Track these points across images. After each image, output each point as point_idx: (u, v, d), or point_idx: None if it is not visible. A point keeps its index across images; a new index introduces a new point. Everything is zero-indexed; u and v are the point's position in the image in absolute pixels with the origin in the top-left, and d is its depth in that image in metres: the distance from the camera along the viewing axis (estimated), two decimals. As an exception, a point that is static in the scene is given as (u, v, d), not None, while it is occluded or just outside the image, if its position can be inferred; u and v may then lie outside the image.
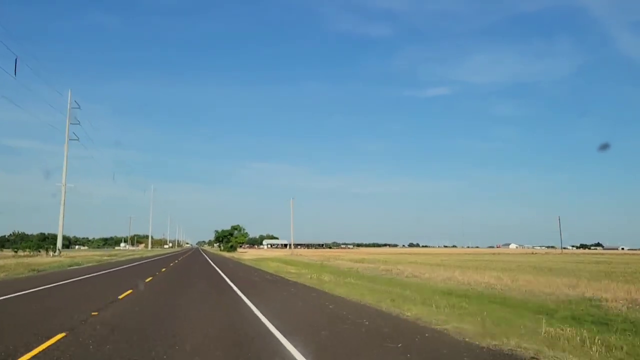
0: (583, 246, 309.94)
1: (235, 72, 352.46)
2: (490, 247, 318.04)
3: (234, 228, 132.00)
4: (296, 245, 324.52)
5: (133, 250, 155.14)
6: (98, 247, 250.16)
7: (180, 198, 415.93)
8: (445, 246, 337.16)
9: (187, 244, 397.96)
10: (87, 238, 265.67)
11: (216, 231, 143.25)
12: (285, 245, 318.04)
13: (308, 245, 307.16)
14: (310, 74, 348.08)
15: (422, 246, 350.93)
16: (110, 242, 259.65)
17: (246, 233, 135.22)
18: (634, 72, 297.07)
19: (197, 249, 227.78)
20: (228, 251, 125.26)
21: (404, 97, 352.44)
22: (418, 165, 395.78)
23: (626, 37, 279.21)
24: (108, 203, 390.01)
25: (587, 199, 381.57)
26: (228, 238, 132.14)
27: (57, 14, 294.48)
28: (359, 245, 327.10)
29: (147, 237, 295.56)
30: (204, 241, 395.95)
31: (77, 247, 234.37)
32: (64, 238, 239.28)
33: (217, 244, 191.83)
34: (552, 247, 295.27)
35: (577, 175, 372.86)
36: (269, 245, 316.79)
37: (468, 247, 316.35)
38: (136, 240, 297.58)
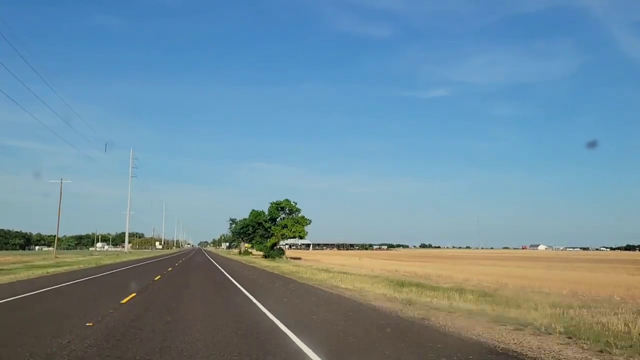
0: (630, 247, 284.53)
1: (234, 72, 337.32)
2: (505, 247, 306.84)
3: (278, 206, 67.01)
4: (320, 246, 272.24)
5: (92, 253, 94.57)
6: (68, 248, 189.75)
7: (180, 199, 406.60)
8: (460, 247, 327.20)
9: (188, 244, 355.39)
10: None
11: (232, 221, 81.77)
12: (308, 246, 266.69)
13: (338, 246, 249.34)
14: (310, 74, 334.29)
15: (435, 247, 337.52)
16: (86, 242, 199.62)
17: (303, 217, 65.89)
18: (636, 73, 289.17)
19: (199, 249, 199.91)
20: (268, 256, 63.09)
21: (404, 97, 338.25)
22: (421, 166, 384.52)
23: (627, 37, 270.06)
24: (91, 200, 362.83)
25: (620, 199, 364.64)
26: (267, 229, 69.27)
27: (55, 14, 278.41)
28: (370, 245, 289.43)
29: (138, 235, 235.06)
30: (206, 242, 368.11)
31: (37, 247, 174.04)
32: (21, 236, 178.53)
33: (231, 243, 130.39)
34: (586, 248, 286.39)
35: (595, 175, 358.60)
36: (289, 246, 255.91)
37: (482, 248, 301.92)
38: (119, 238, 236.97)
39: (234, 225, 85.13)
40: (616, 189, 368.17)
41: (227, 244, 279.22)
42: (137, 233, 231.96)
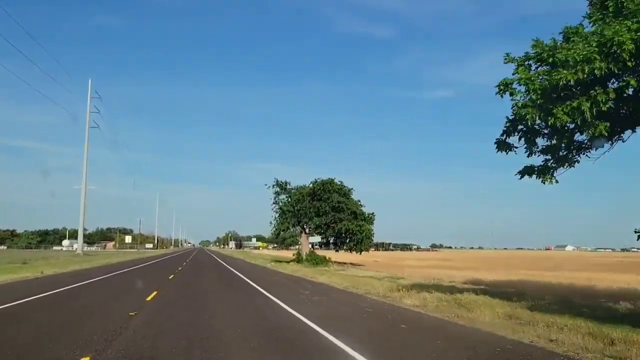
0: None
1: (235, 72, 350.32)
2: (519, 248, 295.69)
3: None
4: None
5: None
6: (28, 246, 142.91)
7: (181, 199, 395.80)
8: (472, 247, 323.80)
9: (188, 243, 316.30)
10: (15, 231, 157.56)
11: (281, 188, 37.11)
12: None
13: (376, 246, 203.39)
14: (311, 75, 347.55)
15: (446, 247, 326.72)
16: (52, 238, 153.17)
17: None
18: None
19: (201, 249, 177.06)
20: None
21: (406, 98, 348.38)
22: (424, 166, 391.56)
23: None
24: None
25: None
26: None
27: (57, 14, 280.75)
28: (382, 245, 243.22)
29: (124, 231, 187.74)
30: (208, 241, 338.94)
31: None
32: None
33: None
34: (626, 249, 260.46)
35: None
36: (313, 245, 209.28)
37: (496, 248, 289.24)
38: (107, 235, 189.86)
39: (287, 198, 38.62)
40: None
41: (235, 242, 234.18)
42: (123, 229, 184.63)
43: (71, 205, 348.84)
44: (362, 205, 41.23)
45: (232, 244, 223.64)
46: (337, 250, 44.93)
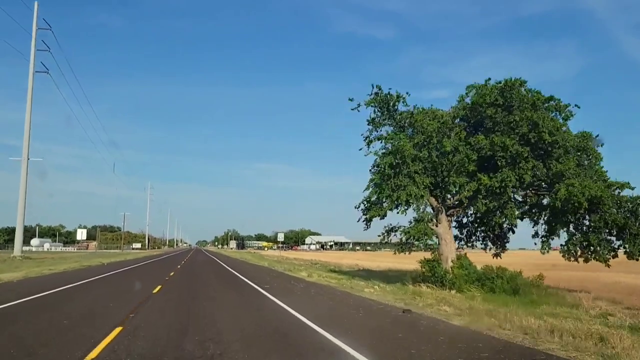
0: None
1: (237, 72, 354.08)
2: (521, 249, 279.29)
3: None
4: (362, 245, 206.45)
5: None
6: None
7: (181, 199, 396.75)
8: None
9: (185, 243, 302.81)
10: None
11: (383, 97, 13.27)
12: (342, 244, 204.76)
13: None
14: (312, 75, 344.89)
15: None
16: (24, 237, 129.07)
17: None
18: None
19: (197, 249, 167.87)
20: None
21: (406, 98, 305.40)
22: None
23: (630, 39, 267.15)
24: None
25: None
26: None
27: (56, 13, 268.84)
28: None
29: (109, 228, 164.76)
30: (205, 241, 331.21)
31: None
32: None
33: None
34: None
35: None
36: (319, 246, 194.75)
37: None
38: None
39: (396, 130, 15.38)
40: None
41: (237, 242, 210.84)
42: (110, 227, 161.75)
43: (54, 201, 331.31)
44: (597, 145, 17.28)
45: (232, 244, 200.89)
46: (497, 256, 20.07)
